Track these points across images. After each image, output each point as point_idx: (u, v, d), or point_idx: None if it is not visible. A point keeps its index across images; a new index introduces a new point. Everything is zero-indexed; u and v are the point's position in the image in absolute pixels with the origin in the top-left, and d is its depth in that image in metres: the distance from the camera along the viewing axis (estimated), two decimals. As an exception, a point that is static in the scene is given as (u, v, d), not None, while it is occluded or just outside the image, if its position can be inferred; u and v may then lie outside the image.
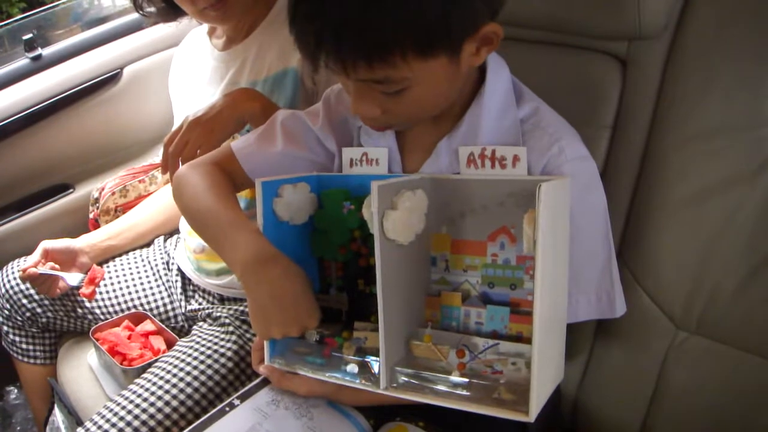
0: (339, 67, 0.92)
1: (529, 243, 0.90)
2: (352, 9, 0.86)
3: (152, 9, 1.62)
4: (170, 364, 1.47)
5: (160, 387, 1.41)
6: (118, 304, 1.76)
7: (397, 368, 0.95)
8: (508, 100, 1.07)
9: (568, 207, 0.97)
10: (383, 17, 0.86)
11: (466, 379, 0.90)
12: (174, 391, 1.41)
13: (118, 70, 2.16)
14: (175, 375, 1.44)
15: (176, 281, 1.77)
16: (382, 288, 0.91)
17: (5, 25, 2.48)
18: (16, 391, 2.10)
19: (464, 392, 0.89)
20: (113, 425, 1.34)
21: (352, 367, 1.00)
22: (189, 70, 1.74)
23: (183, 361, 1.47)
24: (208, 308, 1.66)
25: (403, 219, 0.93)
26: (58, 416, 1.68)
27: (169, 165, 1.37)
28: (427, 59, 0.91)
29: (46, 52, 2.10)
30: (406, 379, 0.94)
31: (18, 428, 2.07)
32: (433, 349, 0.96)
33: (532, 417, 0.83)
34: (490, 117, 1.05)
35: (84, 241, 1.80)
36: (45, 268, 1.65)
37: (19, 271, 1.72)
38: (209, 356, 1.49)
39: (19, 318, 1.76)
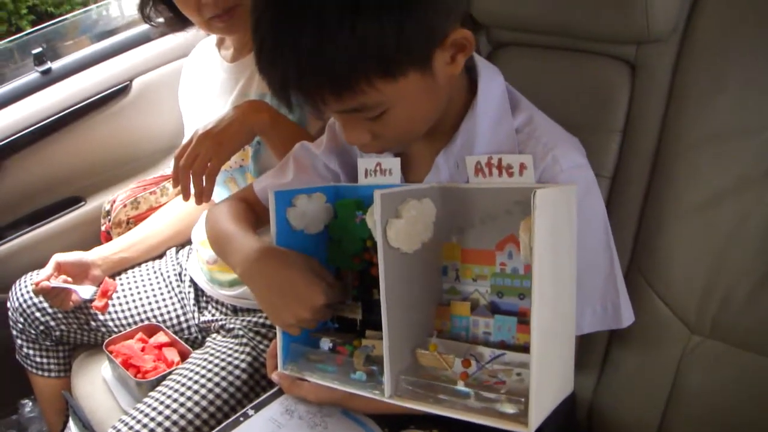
0: (310, 104, 0.94)
1: (525, 250, 0.89)
2: (306, 48, 0.87)
3: (160, 19, 1.63)
4: (185, 376, 1.48)
5: (175, 400, 1.41)
6: (131, 316, 1.77)
7: (402, 377, 0.94)
8: (502, 110, 1.07)
9: (574, 215, 0.96)
10: (337, 50, 0.87)
11: (470, 389, 0.89)
12: (189, 403, 1.41)
13: (128, 83, 2.17)
14: (189, 388, 1.44)
15: (189, 292, 1.77)
16: (385, 296, 0.91)
17: (14, 39, 2.49)
18: (30, 404, 2.10)
19: (467, 402, 0.88)
20: (128, 439, 1.35)
21: (360, 375, 1.00)
22: (199, 83, 1.74)
23: (197, 373, 1.48)
24: (221, 319, 1.67)
25: (407, 228, 0.93)
26: (72, 429, 1.68)
27: (180, 178, 1.37)
28: (396, 79, 0.91)
29: (55, 65, 2.11)
30: (410, 387, 0.94)
31: (33, 441, 2.09)
32: (439, 358, 0.96)
33: (531, 429, 0.83)
34: (484, 128, 1.05)
35: (96, 254, 1.81)
36: (57, 282, 1.66)
37: (31, 284, 1.72)
38: (223, 368, 1.49)
39: (33, 331, 1.77)
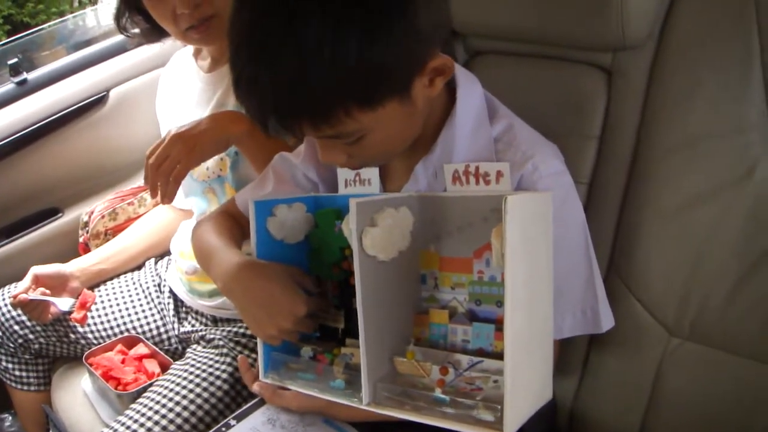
0: (288, 131, 0.94)
1: (497, 257, 0.90)
2: (284, 80, 0.87)
3: (136, 30, 1.62)
4: (166, 388, 1.46)
5: (157, 411, 1.40)
6: (111, 328, 1.75)
7: (380, 384, 0.95)
8: (480, 119, 1.08)
9: (549, 222, 0.97)
10: (315, 82, 0.86)
11: (447, 396, 0.90)
12: (171, 415, 1.40)
13: (105, 93, 2.15)
14: (171, 399, 1.43)
15: (168, 303, 1.76)
16: (362, 303, 0.92)
17: (-11, 50, 2.47)
18: (10, 418, 2.07)
19: (444, 409, 0.89)
20: (109, 452, 1.33)
21: (339, 383, 1.01)
22: (176, 93, 1.73)
23: (178, 384, 1.47)
24: (201, 330, 1.66)
25: (382, 236, 0.94)
26: (53, 443, 1.67)
27: (149, 176, 1.37)
28: (374, 109, 0.91)
29: (31, 76, 2.09)
30: (388, 395, 0.94)
31: (13, 456, 2.06)
32: (416, 366, 0.97)
33: None
34: (463, 138, 1.06)
35: (74, 266, 1.79)
36: (36, 294, 1.64)
37: (9, 297, 1.71)
38: (204, 379, 1.48)
39: (12, 345, 1.75)
